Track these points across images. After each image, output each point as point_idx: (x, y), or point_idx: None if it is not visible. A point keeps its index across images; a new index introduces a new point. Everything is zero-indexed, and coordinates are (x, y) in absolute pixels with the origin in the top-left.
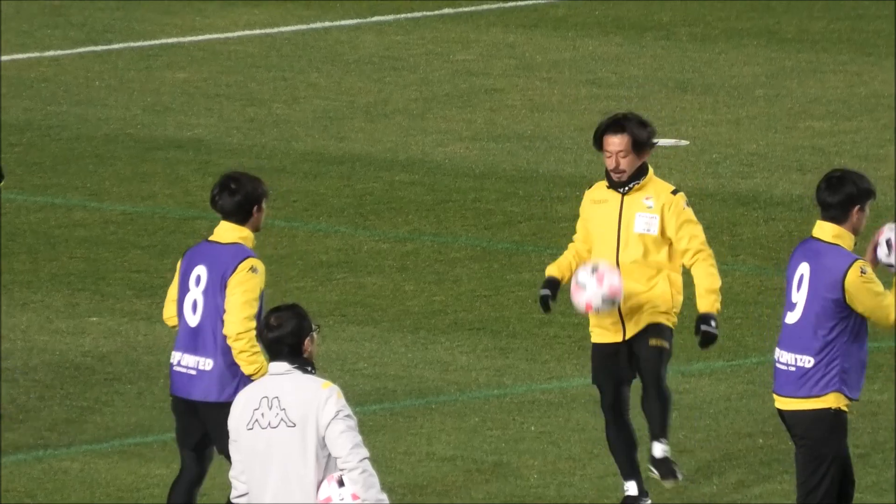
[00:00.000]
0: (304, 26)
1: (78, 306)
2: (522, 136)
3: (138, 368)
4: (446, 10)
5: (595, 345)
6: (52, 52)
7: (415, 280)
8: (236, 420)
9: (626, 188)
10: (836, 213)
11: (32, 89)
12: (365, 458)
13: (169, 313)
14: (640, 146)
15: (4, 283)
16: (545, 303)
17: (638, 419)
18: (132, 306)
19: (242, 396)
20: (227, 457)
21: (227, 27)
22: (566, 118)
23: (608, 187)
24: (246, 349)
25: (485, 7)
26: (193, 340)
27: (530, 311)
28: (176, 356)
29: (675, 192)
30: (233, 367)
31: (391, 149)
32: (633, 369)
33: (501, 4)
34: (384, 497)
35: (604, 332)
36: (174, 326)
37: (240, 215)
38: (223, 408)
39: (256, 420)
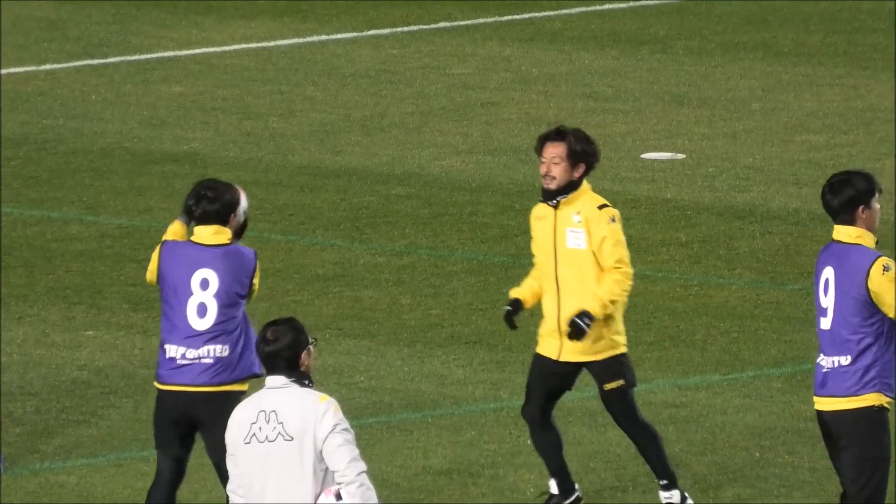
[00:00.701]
0: (300, 40)
1: (74, 320)
2: (519, 150)
3: (134, 382)
4: (443, 24)
5: (536, 353)
6: (48, 66)
7: (411, 293)
8: (234, 434)
9: (556, 202)
10: (844, 218)
11: (29, 103)
12: (362, 472)
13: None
14: (576, 158)
15: (1, 297)
16: (509, 320)
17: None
18: (128, 320)
19: (239, 411)
20: (217, 457)
21: (223, 41)
22: None
23: (542, 201)
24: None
25: (481, 21)
26: (202, 340)
27: (526, 325)
28: (178, 350)
29: (601, 207)
30: (239, 358)
31: (387, 162)
32: (564, 386)
33: (497, 18)
34: None
35: (544, 344)
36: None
37: (220, 222)
38: (225, 398)
39: (254, 434)
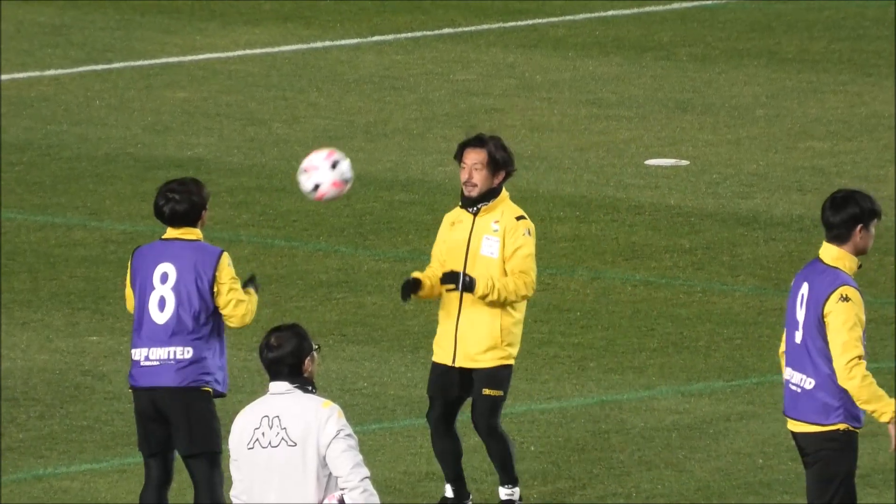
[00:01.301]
0: (304, 46)
1: (78, 325)
2: (522, 157)
3: None
4: (446, 30)
5: (433, 362)
6: (52, 72)
7: (415, 300)
8: (237, 439)
9: (476, 208)
10: (839, 233)
11: (33, 108)
12: (366, 478)
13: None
14: (496, 165)
15: (4, 303)
16: (406, 290)
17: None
18: (132, 326)
19: (242, 416)
20: (190, 455)
21: (227, 46)
22: (566, 138)
23: (461, 207)
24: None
25: (485, 27)
26: (163, 334)
27: (529, 331)
28: (141, 352)
29: (519, 219)
30: (203, 358)
31: (391, 168)
32: (463, 393)
33: (501, 24)
34: None
35: (439, 351)
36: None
37: (188, 222)
38: (189, 395)
39: (257, 439)
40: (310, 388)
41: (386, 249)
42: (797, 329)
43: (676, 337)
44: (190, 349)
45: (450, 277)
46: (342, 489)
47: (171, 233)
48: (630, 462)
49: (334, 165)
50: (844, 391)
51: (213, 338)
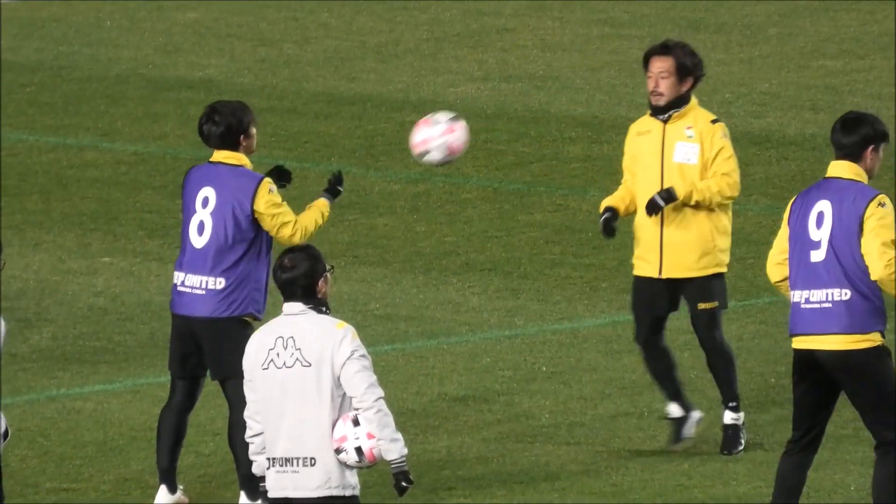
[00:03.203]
0: None
1: (90, 247)
2: (534, 77)
3: (151, 308)
4: None
5: (636, 277)
6: None
7: (426, 221)
8: (251, 360)
9: (667, 115)
10: (850, 153)
11: (44, 30)
12: (380, 398)
13: None
14: (684, 72)
15: (16, 224)
16: (608, 225)
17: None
18: (144, 247)
19: (257, 337)
20: (222, 383)
21: None
22: (578, 58)
23: (650, 115)
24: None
25: None
26: (200, 260)
27: (541, 252)
28: (179, 276)
29: (714, 122)
30: (238, 287)
31: (402, 89)
32: (671, 307)
33: None
34: (399, 436)
35: (643, 265)
36: None
37: (227, 145)
38: (221, 324)
39: (272, 360)
40: (323, 308)
41: (397, 171)
42: (814, 248)
43: None
44: (222, 280)
45: (651, 208)
46: (356, 409)
47: (215, 155)
48: (642, 382)
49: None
50: (878, 300)
51: (251, 264)
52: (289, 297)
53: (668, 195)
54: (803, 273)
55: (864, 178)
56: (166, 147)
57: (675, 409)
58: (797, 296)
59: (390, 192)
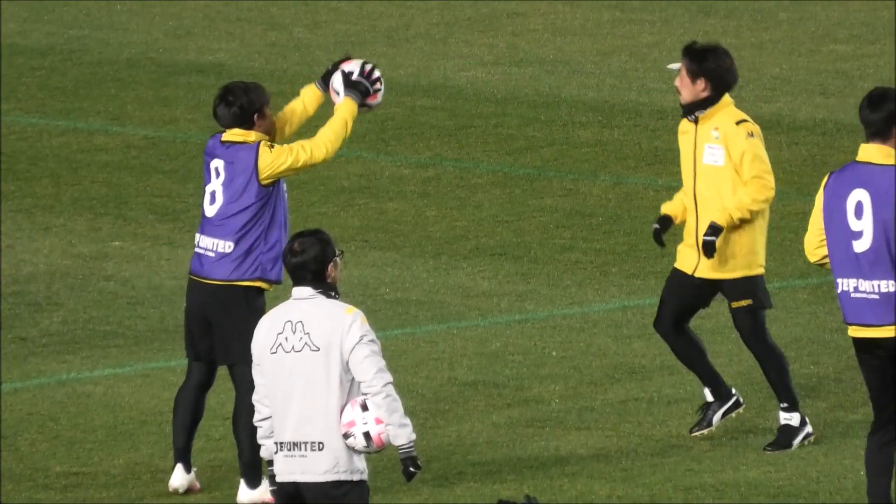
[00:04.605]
0: None
1: (100, 231)
2: (545, 61)
3: (161, 293)
4: None
5: (673, 268)
6: None
7: (436, 205)
8: (260, 344)
9: (694, 117)
10: (878, 130)
11: (54, 14)
12: (389, 383)
13: None
14: (694, 74)
15: (27, 208)
16: (657, 237)
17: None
18: (154, 231)
19: (266, 321)
20: (230, 368)
21: None
22: (589, 42)
23: (682, 115)
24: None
25: None
26: (210, 227)
27: (552, 237)
28: (197, 238)
29: (739, 123)
30: (248, 252)
31: (413, 73)
32: (700, 302)
33: None
34: (407, 421)
35: (681, 259)
36: None
37: (241, 125)
38: (232, 296)
39: (280, 344)
40: (333, 293)
41: (408, 155)
42: (857, 238)
43: None
44: (231, 244)
45: (708, 250)
46: (365, 394)
47: (227, 134)
48: (652, 367)
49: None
50: None
51: (261, 229)
52: (298, 281)
53: (713, 231)
54: (847, 262)
55: (892, 158)
56: (176, 131)
57: (707, 394)
58: (843, 284)
59: (400, 176)
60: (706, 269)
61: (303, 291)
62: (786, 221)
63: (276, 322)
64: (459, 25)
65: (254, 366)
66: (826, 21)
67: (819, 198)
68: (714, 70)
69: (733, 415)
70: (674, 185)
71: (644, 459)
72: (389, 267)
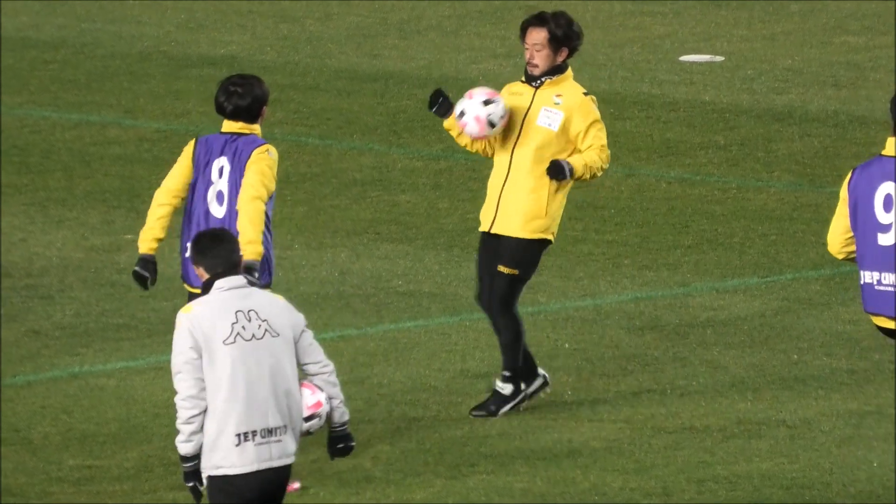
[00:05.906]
0: None
1: (113, 223)
2: None
3: (174, 286)
4: None
5: (480, 234)
6: None
7: (448, 198)
8: (208, 337)
9: (539, 82)
10: None
11: (67, 6)
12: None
13: (162, 200)
14: (557, 43)
15: (40, 201)
16: (434, 101)
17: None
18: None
19: (207, 313)
20: None
21: None
22: (600, 34)
23: (522, 82)
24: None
25: None
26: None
27: (563, 228)
28: (187, 245)
29: (586, 94)
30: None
31: (425, 66)
32: (496, 261)
33: None
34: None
35: (482, 218)
36: (162, 216)
37: (249, 117)
38: None
39: (238, 333)
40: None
41: (420, 148)
42: (883, 231)
43: (711, 234)
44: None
45: (554, 170)
46: (317, 374)
47: (229, 126)
48: (664, 359)
49: (486, 103)
50: None
51: (265, 233)
52: (228, 268)
53: (572, 170)
54: (873, 254)
55: None
56: (189, 124)
57: (497, 382)
58: (868, 276)
59: (412, 168)
60: (500, 225)
61: (236, 280)
62: (798, 213)
63: (226, 312)
64: (471, 18)
65: (184, 364)
66: (838, 13)
67: (843, 193)
68: (574, 39)
69: (542, 394)
70: (686, 177)
71: (657, 451)
72: (402, 259)
